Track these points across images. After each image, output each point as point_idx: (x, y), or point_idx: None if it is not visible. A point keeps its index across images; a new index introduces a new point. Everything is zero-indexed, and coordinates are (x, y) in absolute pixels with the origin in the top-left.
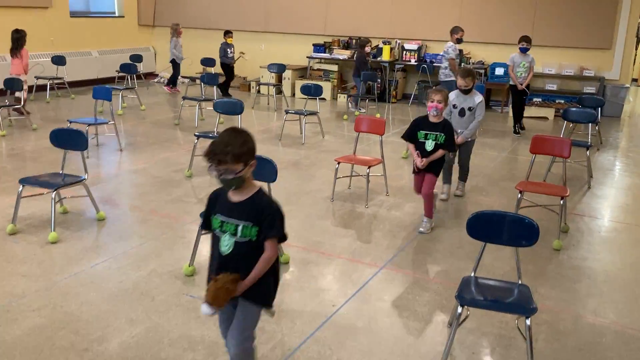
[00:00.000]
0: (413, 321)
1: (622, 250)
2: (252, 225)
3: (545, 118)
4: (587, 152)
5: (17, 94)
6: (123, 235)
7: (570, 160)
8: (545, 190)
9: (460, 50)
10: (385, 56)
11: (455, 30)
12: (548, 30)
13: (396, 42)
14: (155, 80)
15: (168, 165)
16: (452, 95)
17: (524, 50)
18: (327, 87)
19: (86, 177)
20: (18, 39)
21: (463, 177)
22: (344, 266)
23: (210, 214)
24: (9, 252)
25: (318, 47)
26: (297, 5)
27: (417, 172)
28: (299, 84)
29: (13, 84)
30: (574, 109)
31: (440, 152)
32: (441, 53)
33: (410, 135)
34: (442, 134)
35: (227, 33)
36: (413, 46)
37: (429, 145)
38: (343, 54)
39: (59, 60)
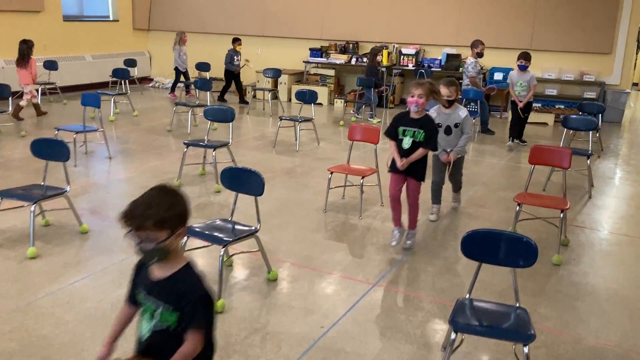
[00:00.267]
0: (405, 344)
1: (625, 265)
2: (172, 310)
3: (545, 124)
4: (588, 161)
5: (22, 102)
6: (106, 249)
7: (571, 169)
8: (545, 203)
9: (482, 67)
10: (383, 61)
11: (474, 44)
12: (548, 34)
13: (394, 46)
14: (151, 85)
15: (157, 174)
16: (434, 114)
17: (522, 68)
18: (323, 92)
19: (68, 188)
20: (26, 50)
21: (457, 188)
22: (335, 283)
23: (136, 287)
24: None
25: (315, 52)
26: (294, 9)
27: (395, 170)
28: (296, 89)
29: (2, 91)
30: (574, 116)
31: (420, 152)
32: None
33: (391, 132)
34: (421, 131)
35: (236, 40)
36: (411, 51)
37: (406, 142)
38: (340, 59)
39: (51, 65)
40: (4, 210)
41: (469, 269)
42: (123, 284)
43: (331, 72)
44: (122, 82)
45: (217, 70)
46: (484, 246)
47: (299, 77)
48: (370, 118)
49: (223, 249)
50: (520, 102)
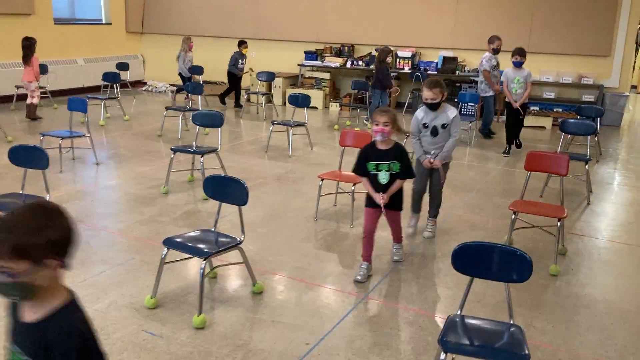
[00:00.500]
0: None
1: (625, 276)
2: None
3: (543, 127)
4: (586, 167)
5: (28, 100)
6: (85, 260)
7: (569, 175)
8: (541, 211)
9: (498, 62)
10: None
11: (491, 39)
12: (546, 36)
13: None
14: (144, 88)
15: (144, 181)
16: (421, 113)
17: (517, 65)
18: (318, 95)
19: (48, 197)
20: (28, 47)
21: (434, 212)
22: (323, 296)
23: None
24: None
25: (310, 55)
26: (289, 11)
27: (372, 205)
28: (291, 92)
29: None
30: (571, 120)
31: (398, 183)
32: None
33: (360, 169)
34: (396, 162)
35: (242, 43)
36: (407, 54)
37: (383, 177)
38: (335, 62)
39: (40, 69)
40: None
41: (462, 280)
42: (101, 297)
43: (326, 76)
44: (115, 86)
45: (211, 73)
46: (476, 260)
47: (293, 80)
48: (365, 122)
49: (204, 261)
50: (516, 101)
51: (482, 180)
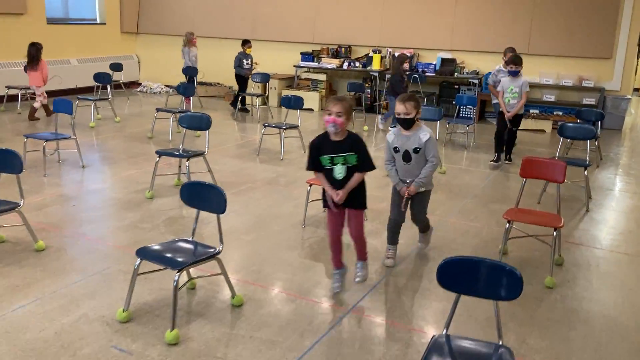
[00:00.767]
0: None
1: (624, 288)
2: None
3: (543, 131)
4: (585, 172)
5: (36, 104)
6: (60, 269)
7: (567, 180)
8: (537, 220)
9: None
10: (376, 65)
11: (505, 51)
12: (546, 38)
13: (387, 50)
14: (139, 89)
15: (130, 185)
16: (392, 136)
17: (513, 74)
18: (314, 97)
19: (22, 203)
20: (35, 52)
21: (424, 228)
22: (306, 309)
23: None
24: None
25: (306, 56)
26: (285, 12)
27: (333, 206)
28: (286, 94)
29: None
30: (570, 124)
31: (358, 177)
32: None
33: (314, 164)
34: (352, 153)
35: (246, 43)
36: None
37: (339, 171)
38: (332, 63)
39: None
40: None
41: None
42: (72, 310)
43: (323, 77)
44: (109, 86)
45: (206, 74)
46: (462, 276)
47: (289, 82)
48: (381, 125)
49: (177, 273)
50: (509, 111)
51: (478, 185)
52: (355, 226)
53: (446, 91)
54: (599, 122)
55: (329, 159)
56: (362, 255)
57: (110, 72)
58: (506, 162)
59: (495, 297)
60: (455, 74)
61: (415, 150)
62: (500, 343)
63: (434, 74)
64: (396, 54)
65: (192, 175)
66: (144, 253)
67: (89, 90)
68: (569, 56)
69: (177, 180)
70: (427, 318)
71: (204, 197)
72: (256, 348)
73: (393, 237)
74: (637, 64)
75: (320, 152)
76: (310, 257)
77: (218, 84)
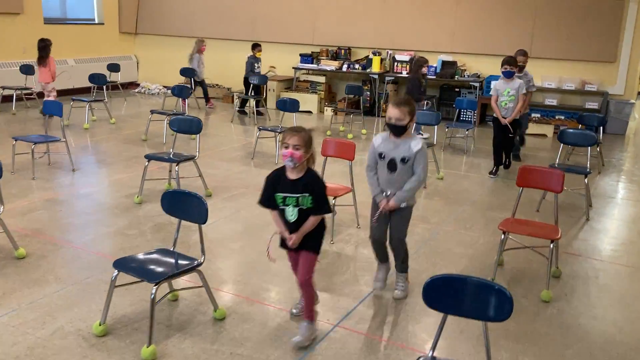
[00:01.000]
0: None
1: (624, 303)
2: None
3: (544, 135)
4: (586, 180)
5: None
6: (40, 278)
7: (567, 187)
8: (533, 232)
9: (529, 77)
10: (375, 67)
11: (516, 54)
12: (548, 41)
13: (387, 52)
14: (137, 90)
15: (120, 189)
16: (378, 139)
17: (507, 75)
18: (313, 99)
19: (1, 209)
20: (44, 48)
21: (401, 266)
22: (291, 324)
23: None
24: None
25: (305, 57)
26: (285, 13)
27: (286, 246)
28: (285, 96)
29: None
30: (570, 130)
31: (312, 221)
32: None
33: (268, 201)
34: (306, 195)
35: (256, 46)
36: (405, 57)
37: (290, 213)
38: (331, 65)
39: (27, 70)
40: None
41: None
42: (47, 322)
43: (322, 79)
44: (104, 87)
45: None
46: (449, 295)
47: (288, 83)
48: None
49: (155, 286)
50: (505, 117)
51: (476, 192)
52: (302, 271)
53: (447, 94)
54: (601, 127)
55: (282, 199)
56: (307, 311)
57: (106, 72)
58: (505, 168)
59: (483, 317)
60: (456, 76)
61: (403, 160)
62: None
63: (435, 77)
64: (414, 58)
65: (183, 180)
66: (121, 265)
67: (86, 91)
68: (572, 59)
69: (168, 185)
70: (417, 334)
71: (185, 206)
72: None
73: (381, 256)
74: None
75: (275, 189)
76: None
77: (217, 85)
